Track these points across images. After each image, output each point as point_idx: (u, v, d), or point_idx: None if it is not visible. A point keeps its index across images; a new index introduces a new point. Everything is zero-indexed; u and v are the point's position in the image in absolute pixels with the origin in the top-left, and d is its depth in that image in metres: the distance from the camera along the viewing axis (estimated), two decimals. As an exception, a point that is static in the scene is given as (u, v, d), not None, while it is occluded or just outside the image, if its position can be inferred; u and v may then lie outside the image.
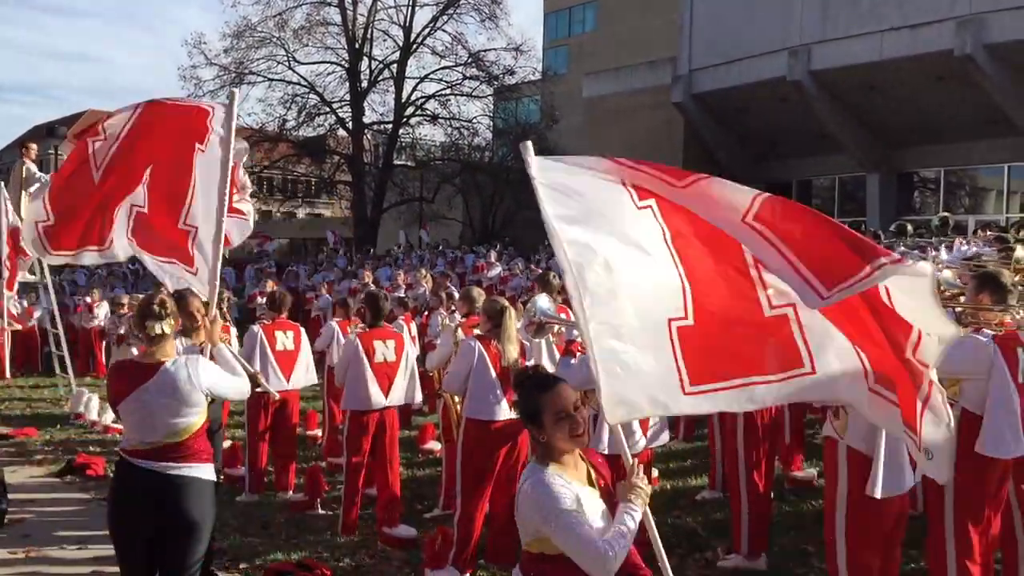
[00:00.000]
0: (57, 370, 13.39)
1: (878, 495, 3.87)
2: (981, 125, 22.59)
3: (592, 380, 5.14)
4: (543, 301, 6.09)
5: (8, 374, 14.96)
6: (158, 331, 4.03)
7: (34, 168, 12.20)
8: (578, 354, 5.56)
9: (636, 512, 3.02)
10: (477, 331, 6.23)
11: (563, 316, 6.82)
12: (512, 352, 5.81)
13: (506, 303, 6.01)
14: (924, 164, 26.22)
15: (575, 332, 5.96)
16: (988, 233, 14.35)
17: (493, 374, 5.77)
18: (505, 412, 5.74)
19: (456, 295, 9.88)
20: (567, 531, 2.89)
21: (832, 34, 24.20)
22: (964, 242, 13.53)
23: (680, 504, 7.07)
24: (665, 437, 5.84)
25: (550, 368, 7.47)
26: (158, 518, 3.96)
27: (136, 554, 4.02)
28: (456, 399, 6.42)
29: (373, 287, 13.99)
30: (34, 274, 13.35)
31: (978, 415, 4.42)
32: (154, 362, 4.03)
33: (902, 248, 13.16)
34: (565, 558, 2.92)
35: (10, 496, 7.80)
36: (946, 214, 18.31)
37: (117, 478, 4.15)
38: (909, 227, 16.88)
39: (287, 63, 35.36)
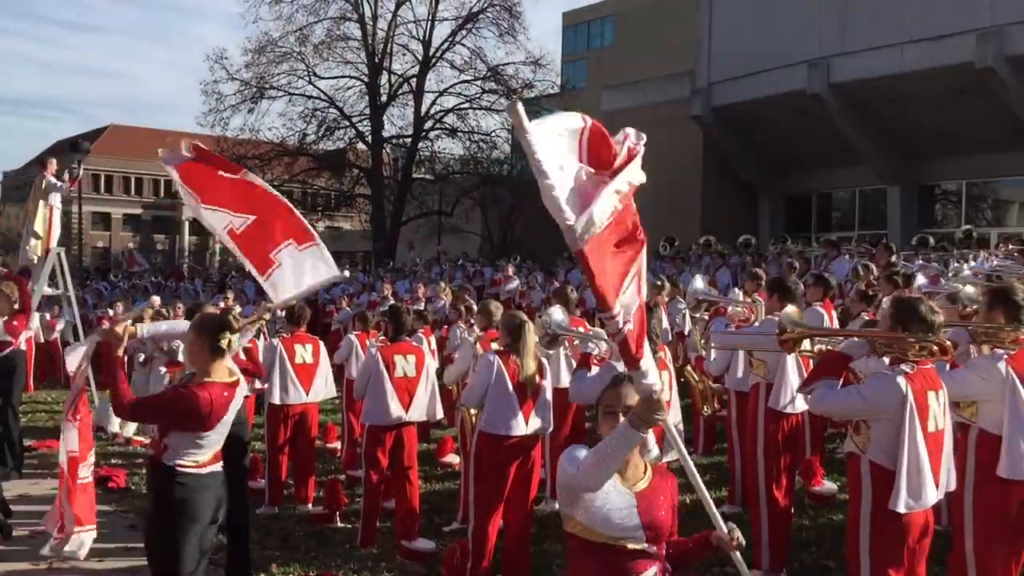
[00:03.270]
0: (80, 382, 13.47)
1: (901, 510, 3.82)
2: (1003, 137, 22.39)
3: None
4: (557, 313, 6.06)
5: (32, 386, 15.13)
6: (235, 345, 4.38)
7: (54, 180, 12.34)
8: (594, 367, 5.54)
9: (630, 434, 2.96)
10: (496, 345, 6.20)
11: (581, 329, 6.81)
12: (531, 367, 5.73)
13: (525, 317, 5.97)
14: (945, 177, 26.01)
15: (590, 345, 5.94)
16: (1011, 247, 14.19)
17: (511, 389, 5.67)
18: (520, 428, 5.66)
19: (475, 308, 9.90)
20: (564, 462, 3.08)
21: (852, 46, 24.09)
22: (988, 256, 13.38)
23: (699, 518, 7.01)
24: (673, 454, 5.78)
25: (565, 379, 7.47)
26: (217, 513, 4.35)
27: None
28: (473, 412, 6.40)
29: (393, 300, 14.07)
30: (57, 287, 13.46)
31: (997, 436, 4.34)
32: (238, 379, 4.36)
33: (920, 261, 13.06)
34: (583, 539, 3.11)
35: (32, 508, 7.88)
36: (969, 227, 18.15)
37: (194, 491, 4.20)
38: (931, 240, 16.75)
39: (307, 78, 35.66)
